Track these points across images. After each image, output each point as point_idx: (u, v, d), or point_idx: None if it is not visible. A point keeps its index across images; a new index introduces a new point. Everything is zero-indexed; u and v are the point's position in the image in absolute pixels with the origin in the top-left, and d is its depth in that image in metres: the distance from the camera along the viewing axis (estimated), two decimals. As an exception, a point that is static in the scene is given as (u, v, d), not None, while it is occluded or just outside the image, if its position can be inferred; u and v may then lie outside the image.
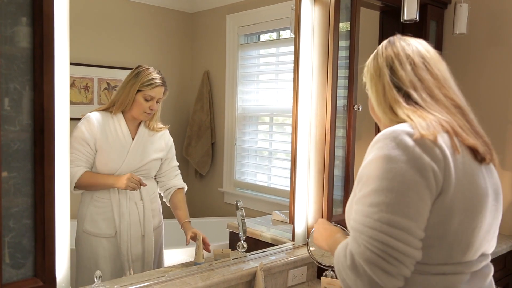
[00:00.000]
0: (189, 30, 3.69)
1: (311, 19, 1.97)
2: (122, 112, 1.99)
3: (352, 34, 2.00)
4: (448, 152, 0.99)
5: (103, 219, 1.96)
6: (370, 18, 2.49)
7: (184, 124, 3.62)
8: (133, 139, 2.00)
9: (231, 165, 3.46)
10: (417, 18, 1.88)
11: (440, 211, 0.98)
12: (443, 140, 1.00)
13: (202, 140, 3.51)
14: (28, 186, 1.23)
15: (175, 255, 2.56)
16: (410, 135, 0.99)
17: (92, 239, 1.97)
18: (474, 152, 1.04)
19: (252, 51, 3.41)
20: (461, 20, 2.13)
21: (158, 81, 1.96)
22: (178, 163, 2.21)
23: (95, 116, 1.95)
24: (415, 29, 2.37)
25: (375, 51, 1.19)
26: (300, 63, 1.96)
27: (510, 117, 2.41)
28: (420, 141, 0.98)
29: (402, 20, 1.91)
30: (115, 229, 1.96)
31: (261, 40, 3.39)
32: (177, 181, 2.18)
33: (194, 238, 2.03)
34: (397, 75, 1.10)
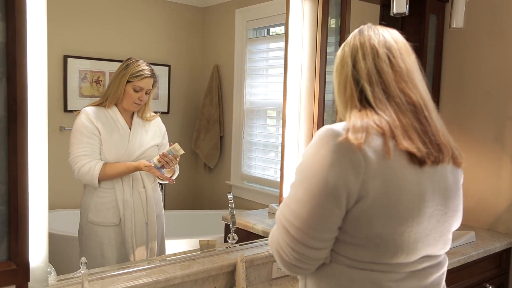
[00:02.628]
0: (200, 25, 3.73)
1: (301, 13, 1.97)
2: (116, 105, 2.05)
3: (342, 29, 1.99)
4: (373, 157, 0.98)
5: (108, 208, 2.03)
6: (370, 12, 2.47)
7: (194, 117, 3.68)
8: (130, 128, 2.06)
9: (239, 159, 3.49)
10: (407, 11, 1.86)
11: (359, 215, 0.99)
12: (374, 144, 0.99)
13: (211, 133, 3.55)
14: (2, 174, 1.29)
15: (178, 246, 2.61)
16: (337, 136, 0.99)
17: (97, 229, 2.04)
18: (410, 156, 1.01)
19: (260, 45, 3.42)
20: (458, 14, 2.08)
21: (147, 72, 2.02)
22: None
23: (91, 110, 2.01)
24: (414, 23, 2.34)
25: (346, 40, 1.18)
26: (289, 57, 1.96)
27: (510, 112, 2.34)
28: (345, 145, 0.98)
29: (391, 14, 1.89)
30: (119, 217, 2.03)
31: (270, 34, 3.40)
32: None
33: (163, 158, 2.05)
34: (357, 66, 1.09)
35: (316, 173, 0.99)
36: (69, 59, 3.13)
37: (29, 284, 1.41)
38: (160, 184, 3.08)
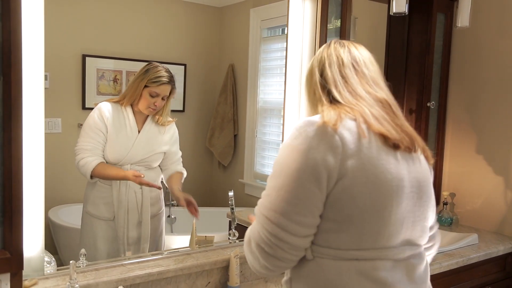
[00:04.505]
0: (216, 24, 3.77)
1: (301, 13, 1.98)
2: (131, 106, 2.10)
3: (343, 29, 1.99)
4: (349, 138, 1.03)
5: (104, 203, 2.09)
6: (378, 11, 2.45)
7: (209, 116, 3.72)
8: (139, 131, 2.11)
9: (252, 157, 3.52)
10: (406, 11, 1.84)
11: (340, 195, 1.02)
12: (347, 127, 1.04)
13: (225, 131, 3.60)
14: (-3, 167, 1.36)
15: (184, 241, 2.67)
16: (313, 124, 1.05)
17: (93, 220, 2.11)
18: (384, 138, 1.07)
19: (274, 44, 3.44)
20: (463, 13, 2.05)
21: (165, 79, 2.05)
22: (180, 152, 2.31)
23: (106, 107, 2.07)
24: (421, 22, 2.31)
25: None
26: (288, 57, 1.98)
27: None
28: (321, 129, 1.04)
29: (391, 13, 1.88)
30: (114, 214, 2.08)
31: (284, 33, 3.41)
32: (177, 166, 2.28)
33: (188, 204, 2.13)
34: (324, 74, 1.17)
35: (296, 158, 1.03)
36: (87, 58, 3.21)
37: (26, 272, 1.49)
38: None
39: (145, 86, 2.04)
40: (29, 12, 1.43)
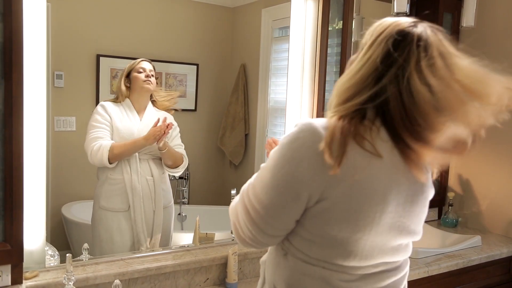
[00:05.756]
0: (229, 24, 3.80)
1: (304, 13, 1.99)
2: (129, 99, 2.20)
3: (344, 29, 1.99)
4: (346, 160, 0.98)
5: (117, 195, 2.14)
6: (386, 10, 2.45)
7: (220, 115, 3.76)
8: (141, 120, 2.19)
9: (262, 156, 3.54)
10: (408, 11, 1.84)
11: (318, 214, 1.00)
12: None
13: (236, 131, 3.63)
14: (-1, 162, 1.42)
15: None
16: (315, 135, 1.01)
17: (108, 214, 2.15)
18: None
19: (285, 44, 3.44)
20: (468, 13, 2.03)
21: (140, 58, 2.23)
22: (183, 144, 2.36)
23: (106, 103, 2.19)
24: (428, 21, 2.29)
25: None
26: (290, 57, 1.99)
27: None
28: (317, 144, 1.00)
29: (392, 13, 1.88)
30: (128, 204, 2.13)
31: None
32: (178, 150, 2.32)
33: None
34: None
35: (285, 165, 0.99)
36: (101, 58, 3.28)
37: (27, 265, 1.54)
38: (182, 178, 3.20)
39: (128, 75, 2.21)
40: (32, 12, 1.47)
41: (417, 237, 1.12)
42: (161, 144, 2.12)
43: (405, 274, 1.15)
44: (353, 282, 1.05)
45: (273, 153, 1.04)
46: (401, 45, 0.97)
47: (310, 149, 0.97)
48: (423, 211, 1.10)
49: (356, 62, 1.02)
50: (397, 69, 0.96)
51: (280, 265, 1.10)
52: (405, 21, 1.02)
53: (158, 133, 2.07)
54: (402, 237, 1.06)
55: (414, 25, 1.01)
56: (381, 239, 1.02)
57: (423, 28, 1.00)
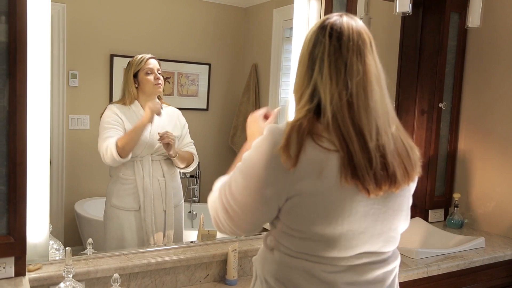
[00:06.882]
0: (241, 25, 3.83)
1: (307, 13, 2.01)
2: (138, 101, 2.21)
3: (347, 28, 1.99)
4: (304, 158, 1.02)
5: (129, 194, 2.18)
6: (393, 10, 2.44)
7: (232, 115, 3.79)
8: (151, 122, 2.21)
9: (272, 156, 3.56)
10: (410, 11, 1.83)
11: (290, 210, 1.04)
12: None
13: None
14: (3, 158, 1.47)
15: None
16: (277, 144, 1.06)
17: (119, 212, 2.20)
18: None
19: (296, 45, 3.46)
20: (474, 12, 2.01)
21: (147, 55, 2.19)
22: (192, 140, 2.39)
23: (115, 106, 2.20)
24: (434, 21, 2.28)
25: None
26: (292, 56, 2.01)
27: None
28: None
29: (394, 13, 1.88)
30: (139, 204, 2.17)
31: (307, 33, 3.43)
32: (189, 148, 2.36)
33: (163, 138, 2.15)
34: None
35: (253, 167, 1.04)
36: (115, 58, 3.35)
37: (31, 257, 1.60)
38: (193, 176, 3.24)
39: (136, 75, 2.18)
40: (36, 13, 1.52)
41: (400, 225, 1.14)
42: (171, 152, 2.16)
43: (393, 269, 1.17)
44: (338, 273, 1.08)
45: (245, 155, 1.09)
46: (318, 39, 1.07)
47: (271, 153, 1.02)
48: (400, 196, 1.10)
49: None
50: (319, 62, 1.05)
51: (267, 260, 1.14)
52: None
53: (157, 106, 2.10)
54: (379, 224, 1.09)
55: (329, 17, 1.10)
56: (357, 228, 1.05)
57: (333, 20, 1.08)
